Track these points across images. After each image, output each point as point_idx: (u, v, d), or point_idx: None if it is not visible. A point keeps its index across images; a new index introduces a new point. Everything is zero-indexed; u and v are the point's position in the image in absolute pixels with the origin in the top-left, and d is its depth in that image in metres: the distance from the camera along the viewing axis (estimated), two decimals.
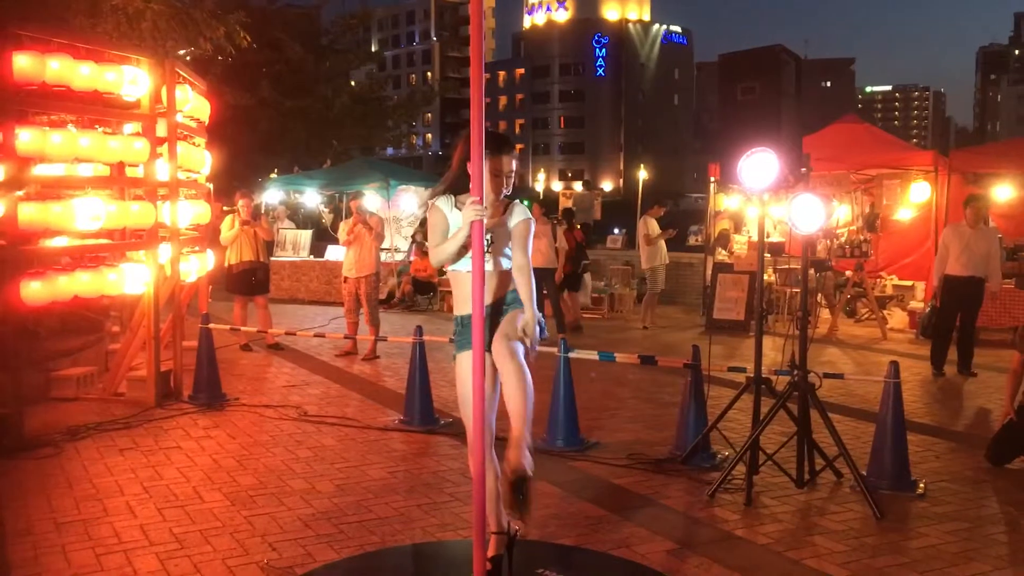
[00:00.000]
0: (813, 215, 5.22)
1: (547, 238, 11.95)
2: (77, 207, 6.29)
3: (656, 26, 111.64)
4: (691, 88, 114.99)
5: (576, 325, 12.33)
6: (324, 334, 10.38)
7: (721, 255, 13.83)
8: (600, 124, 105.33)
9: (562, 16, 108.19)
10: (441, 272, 15.27)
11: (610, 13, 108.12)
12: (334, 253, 15.64)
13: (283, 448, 6.08)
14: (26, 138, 5.96)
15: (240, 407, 7.31)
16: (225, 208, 12.57)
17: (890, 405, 5.35)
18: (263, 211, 16.68)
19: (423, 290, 15.26)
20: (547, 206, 13.67)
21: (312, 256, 16.59)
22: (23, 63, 5.88)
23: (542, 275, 10.90)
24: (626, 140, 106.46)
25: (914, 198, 12.96)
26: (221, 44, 12.19)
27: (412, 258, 15.93)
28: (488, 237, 3.55)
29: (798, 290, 6.14)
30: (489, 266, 3.57)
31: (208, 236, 8.95)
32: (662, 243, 12.85)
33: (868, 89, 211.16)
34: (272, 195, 18.61)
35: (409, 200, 17.81)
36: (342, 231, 9.96)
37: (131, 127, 7.25)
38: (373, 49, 54.16)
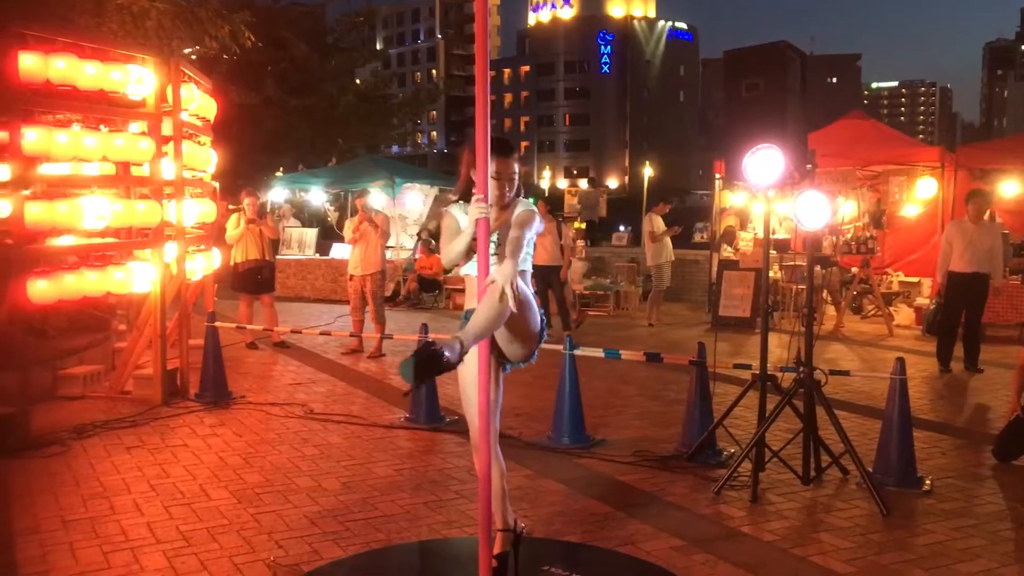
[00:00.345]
0: (818, 212, 5.21)
1: (552, 235, 11.93)
2: (83, 206, 6.31)
3: (661, 23, 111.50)
4: (696, 85, 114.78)
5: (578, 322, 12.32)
6: (330, 332, 10.39)
7: (727, 252, 13.81)
8: (605, 121, 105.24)
9: (567, 13, 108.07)
10: (447, 270, 15.30)
11: (615, 10, 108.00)
12: (340, 251, 15.65)
13: (289, 446, 6.09)
14: (32, 137, 5.97)
15: (246, 405, 7.32)
16: (231, 207, 12.60)
17: (896, 402, 5.34)
18: (269, 209, 16.72)
19: (428, 288, 15.27)
20: (552, 203, 13.63)
21: (318, 254, 16.61)
22: (28, 63, 5.90)
23: (547, 272, 10.90)
24: (631, 137, 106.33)
25: (920, 194, 12.92)
26: (226, 43, 12.19)
27: (417, 256, 15.94)
28: (494, 237, 3.57)
29: (804, 287, 6.13)
30: (495, 263, 3.58)
31: (214, 235, 8.96)
32: (667, 240, 12.83)
33: (874, 85, 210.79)
34: (278, 193, 18.64)
35: (414, 198, 17.82)
36: (348, 229, 9.97)
37: (136, 126, 7.26)
38: (378, 47, 54.14)
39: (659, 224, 12.70)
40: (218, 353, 7.54)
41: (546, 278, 10.92)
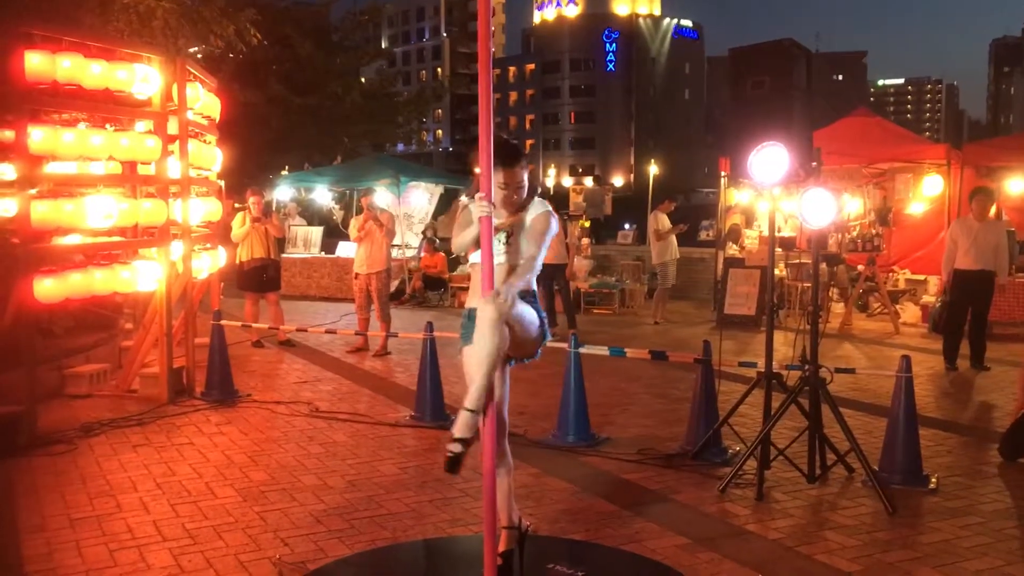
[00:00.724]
0: (824, 209, 5.20)
1: (558, 234, 11.94)
2: (89, 205, 6.33)
3: (666, 20, 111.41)
4: (702, 83, 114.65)
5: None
6: (335, 330, 10.40)
7: (732, 250, 13.79)
8: (611, 119, 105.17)
9: (572, 11, 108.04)
10: (452, 268, 15.31)
11: (620, 8, 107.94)
12: (345, 250, 15.66)
13: (295, 444, 6.10)
14: (38, 137, 5.99)
15: (252, 403, 7.34)
16: (236, 205, 12.60)
17: (902, 400, 5.32)
18: (274, 208, 16.74)
19: (434, 286, 15.28)
20: (557, 202, 13.61)
21: (323, 253, 16.62)
22: (35, 62, 5.91)
23: (553, 270, 10.89)
24: (637, 135, 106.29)
25: (927, 191, 12.89)
26: (231, 42, 12.23)
27: (422, 254, 15.95)
28: (504, 235, 3.63)
29: (809, 284, 6.12)
30: (502, 259, 3.61)
31: (220, 233, 8.98)
32: (673, 238, 12.82)
33: (880, 82, 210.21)
34: (283, 192, 18.64)
35: (419, 196, 17.81)
36: (353, 228, 9.97)
37: (142, 125, 7.28)
38: (383, 45, 54.27)
39: (664, 222, 12.69)
40: (224, 352, 7.55)
41: (552, 276, 10.92)
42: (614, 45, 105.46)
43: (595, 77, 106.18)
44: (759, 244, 13.41)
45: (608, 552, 4.24)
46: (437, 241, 16.06)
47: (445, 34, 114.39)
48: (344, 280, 14.83)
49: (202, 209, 7.91)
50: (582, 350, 6.28)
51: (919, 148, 13.51)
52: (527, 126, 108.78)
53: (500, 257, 3.60)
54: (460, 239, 3.70)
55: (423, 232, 17.27)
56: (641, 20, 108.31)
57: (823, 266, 12.02)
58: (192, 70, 7.58)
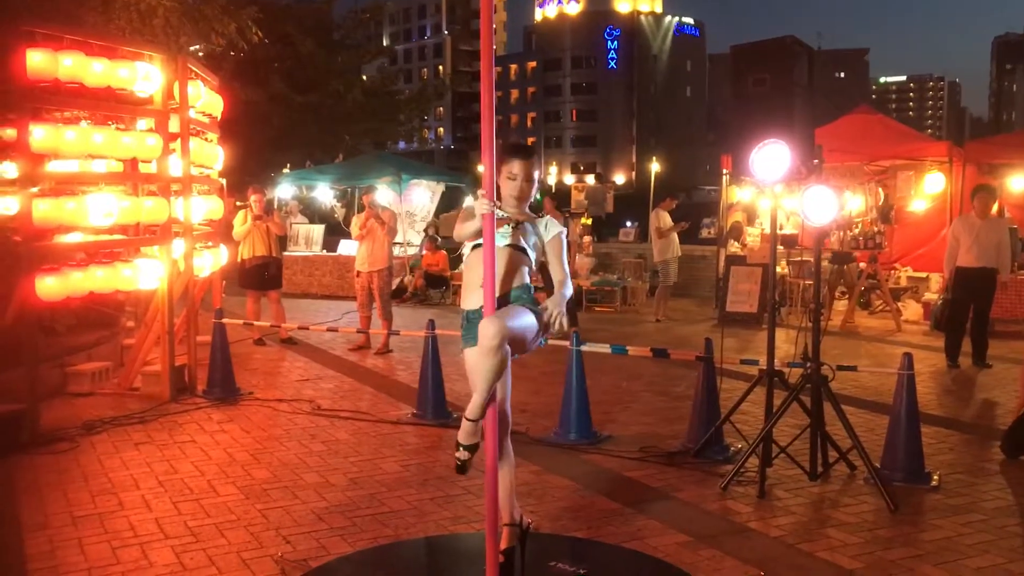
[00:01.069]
0: (826, 207, 5.20)
1: None
2: (91, 203, 6.33)
3: (668, 18, 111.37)
4: (703, 80, 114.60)
5: None
6: (337, 328, 10.39)
7: (734, 247, 13.79)
8: (612, 117, 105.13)
9: (574, 9, 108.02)
10: (453, 266, 15.30)
11: (622, 5, 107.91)
12: (346, 248, 15.67)
13: (297, 442, 6.11)
14: (40, 135, 5.99)
15: (254, 401, 7.34)
16: (238, 203, 12.60)
17: (904, 397, 5.32)
18: (275, 206, 16.74)
19: (435, 284, 15.28)
20: (559, 199, 13.60)
21: (324, 251, 16.63)
22: (37, 60, 5.92)
23: None
24: (638, 133, 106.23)
25: (929, 189, 12.88)
26: (233, 40, 12.21)
27: (424, 252, 15.95)
28: (505, 230, 3.64)
29: (811, 282, 6.12)
30: (503, 241, 3.61)
31: (221, 231, 8.98)
32: (674, 236, 12.81)
33: (882, 80, 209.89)
34: (284, 190, 18.66)
35: (421, 194, 17.82)
36: (354, 226, 9.96)
37: (144, 123, 7.28)
38: (384, 43, 54.23)
39: (666, 220, 12.68)
40: (226, 349, 7.56)
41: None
42: (616, 42, 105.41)
43: (597, 75, 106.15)
44: (761, 242, 13.41)
45: (610, 550, 4.24)
46: (439, 239, 16.07)
47: (447, 32, 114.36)
48: (346, 278, 14.84)
49: (204, 207, 7.91)
50: (584, 348, 6.28)
51: (921, 146, 13.50)
52: (529, 124, 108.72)
53: (502, 239, 3.61)
54: (462, 229, 3.74)
55: (425, 230, 17.27)
56: (643, 17, 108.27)
57: (830, 264, 12.02)
58: (193, 68, 7.58)
